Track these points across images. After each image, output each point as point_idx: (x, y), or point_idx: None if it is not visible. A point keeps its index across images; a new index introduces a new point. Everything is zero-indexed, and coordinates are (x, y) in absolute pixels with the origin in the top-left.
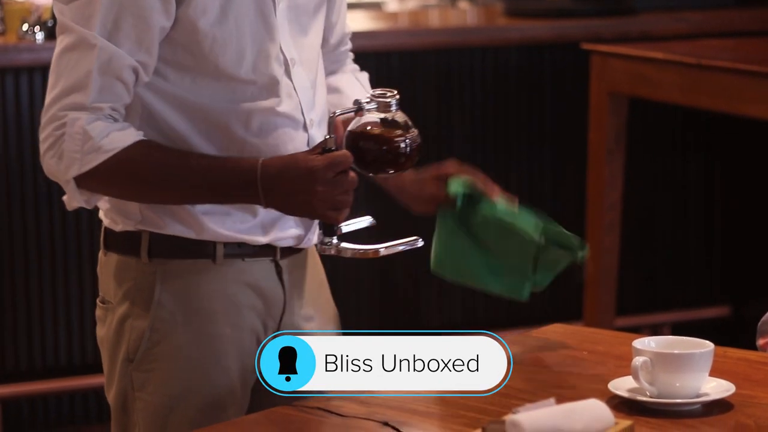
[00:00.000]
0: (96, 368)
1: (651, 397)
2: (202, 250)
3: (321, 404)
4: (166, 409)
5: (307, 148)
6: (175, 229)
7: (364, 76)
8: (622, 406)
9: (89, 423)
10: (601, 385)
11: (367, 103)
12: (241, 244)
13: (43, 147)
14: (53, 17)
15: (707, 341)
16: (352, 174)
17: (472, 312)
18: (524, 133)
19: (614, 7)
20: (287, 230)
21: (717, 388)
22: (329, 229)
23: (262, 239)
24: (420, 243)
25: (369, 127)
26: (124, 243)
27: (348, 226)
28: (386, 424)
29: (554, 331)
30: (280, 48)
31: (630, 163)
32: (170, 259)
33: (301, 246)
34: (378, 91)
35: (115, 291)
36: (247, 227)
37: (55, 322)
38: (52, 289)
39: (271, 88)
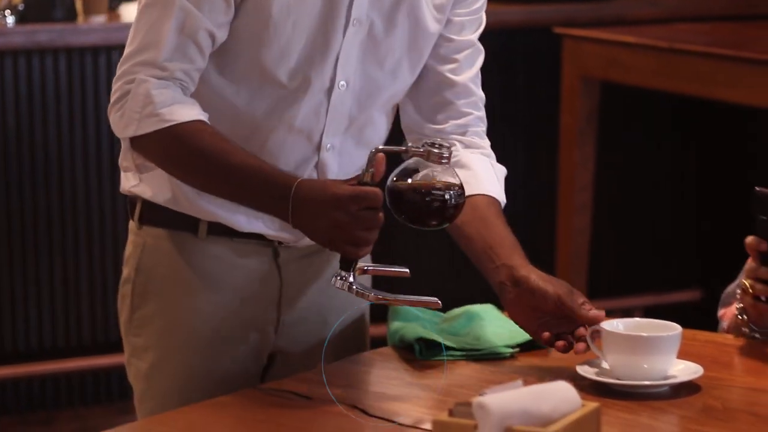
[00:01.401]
0: (66, 352)
1: (618, 378)
2: (186, 223)
3: (289, 387)
4: (147, 376)
5: (313, 169)
6: (163, 200)
7: (501, 170)
8: (590, 388)
9: (59, 408)
10: (569, 367)
11: (418, 149)
12: (226, 226)
13: (111, 99)
14: (24, 1)
15: (675, 324)
16: (380, 214)
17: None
18: (497, 116)
19: None
20: (275, 231)
21: (685, 370)
22: (346, 262)
23: (245, 227)
24: (436, 303)
25: (413, 176)
26: (129, 206)
27: (373, 267)
28: (354, 406)
29: None
30: (335, 64)
31: (602, 146)
32: (156, 227)
33: (298, 245)
34: (433, 142)
35: (125, 254)
36: (231, 212)
37: (25, 306)
38: (22, 273)
39: (301, 98)
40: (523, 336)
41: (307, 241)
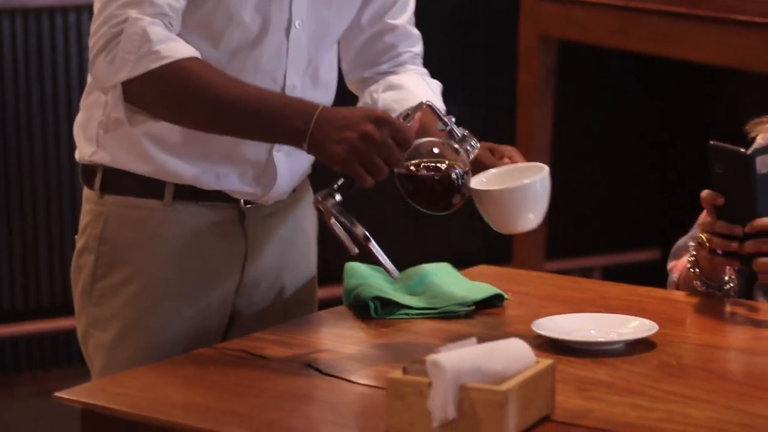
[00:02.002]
0: (25, 315)
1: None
2: (152, 189)
3: (243, 346)
4: (110, 346)
5: None
6: (128, 163)
7: (436, 84)
8: (545, 345)
9: (18, 370)
10: (525, 325)
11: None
12: (193, 189)
13: (94, 50)
14: None
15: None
16: (400, 158)
17: (406, 252)
18: (454, 76)
19: None
20: (241, 186)
21: (640, 327)
22: (344, 187)
23: (212, 184)
24: (397, 275)
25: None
26: (86, 176)
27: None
28: (308, 365)
29: (481, 272)
30: (290, 3)
31: (561, 106)
32: (120, 195)
33: (260, 202)
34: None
35: (80, 224)
36: (200, 171)
37: None
38: None
39: (262, 40)
40: (479, 294)
41: (273, 197)
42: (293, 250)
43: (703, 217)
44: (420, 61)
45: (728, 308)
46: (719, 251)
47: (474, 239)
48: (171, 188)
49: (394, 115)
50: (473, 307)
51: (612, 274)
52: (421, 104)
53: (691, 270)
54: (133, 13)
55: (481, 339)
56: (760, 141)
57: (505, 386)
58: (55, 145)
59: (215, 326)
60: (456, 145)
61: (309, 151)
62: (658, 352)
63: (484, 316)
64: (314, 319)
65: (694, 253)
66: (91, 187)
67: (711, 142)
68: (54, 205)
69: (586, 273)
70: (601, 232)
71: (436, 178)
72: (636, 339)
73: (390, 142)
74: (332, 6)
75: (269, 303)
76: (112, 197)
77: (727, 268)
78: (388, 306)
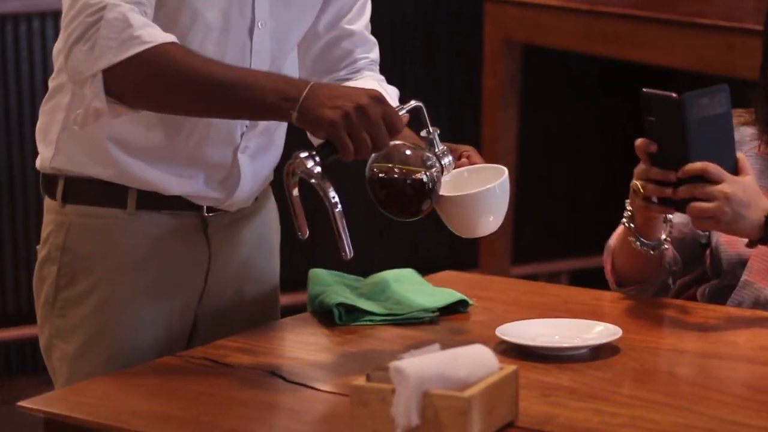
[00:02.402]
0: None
1: (537, 342)
2: (115, 197)
3: (207, 354)
4: (75, 357)
5: None
6: (89, 166)
7: (394, 90)
8: (510, 351)
9: None
10: (489, 331)
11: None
12: (156, 195)
13: (70, 39)
14: None
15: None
16: (386, 141)
17: (370, 260)
18: (420, 79)
19: None
20: (206, 190)
21: (604, 332)
22: (325, 152)
23: (177, 189)
24: (349, 253)
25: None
26: (47, 185)
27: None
28: (272, 373)
29: (445, 278)
30: (252, 4)
31: (526, 110)
32: (82, 204)
33: (223, 208)
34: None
35: (42, 234)
36: (164, 174)
37: None
38: None
39: (226, 40)
40: (443, 300)
41: (236, 202)
42: (256, 257)
43: (639, 166)
44: (377, 67)
45: (692, 312)
46: (654, 198)
47: (440, 244)
48: (133, 196)
49: None
50: (437, 313)
51: (579, 278)
52: (413, 104)
53: (627, 225)
54: (111, 0)
55: (445, 345)
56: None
57: (468, 393)
58: (20, 152)
59: (178, 334)
60: (429, 154)
61: (297, 120)
62: (622, 357)
63: (449, 322)
64: (278, 326)
65: (630, 208)
66: (52, 196)
67: (643, 90)
68: (19, 213)
69: (553, 277)
70: (568, 235)
71: (408, 181)
72: (600, 344)
73: (381, 121)
74: (292, 7)
75: (232, 310)
76: (73, 207)
77: (663, 227)
78: (353, 312)
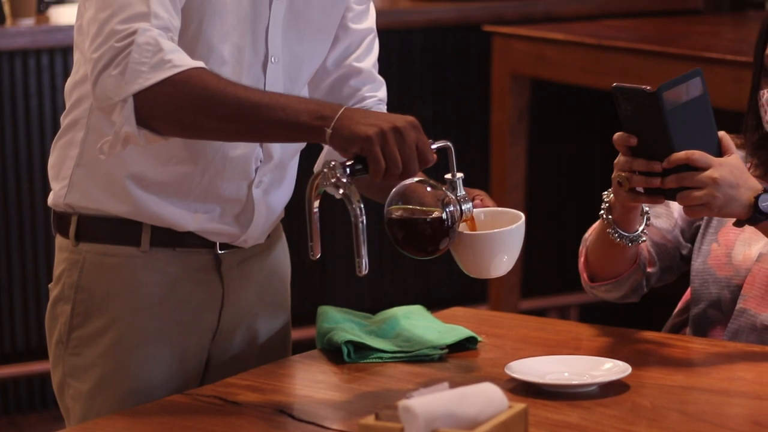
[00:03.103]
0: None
1: (546, 380)
2: (129, 235)
3: (217, 393)
4: (88, 396)
5: (259, 150)
6: (104, 201)
7: None
8: (518, 389)
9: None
10: (498, 368)
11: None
12: (170, 232)
13: (98, 65)
14: None
15: (519, 213)
16: (416, 168)
17: (379, 294)
18: (429, 114)
19: None
20: (220, 225)
21: (613, 369)
22: (350, 167)
23: (192, 225)
24: (363, 270)
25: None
26: (59, 224)
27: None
28: (282, 411)
29: (454, 314)
30: (266, 39)
31: (534, 144)
32: (96, 243)
33: (237, 244)
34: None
35: (55, 273)
36: (179, 210)
37: None
38: None
39: (239, 73)
40: (452, 337)
41: (250, 238)
42: (269, 295)
43: (619, 158)
44: (384, 106)
45: (700, 348)
46: (640, 189)
47: (450, 278)
48: (147, 234)
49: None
50: (446, 351)
51: (589, 311)
52: (444, 143)
53: (605, 218)
54: (142, 25)
55: (454, 383)
56: None
57: (477, 431)
58: (29, 189)
59: (192, 373)
60: (448, 193)
61: (330, 138)
62: (632, 395)
63: (458, 360)
64: (287, 364)
65: (607, 200)
66: (65, 235)
67: (614, 85)
68: (29, 250)
69: (563, 311)
70: (577, 269)
71: (426, 220)
72: (609, 381)
73: (414, 147)
74: (304, 43)
75: (244, 348)
76: (87, 245)
77: (639, 219)
78: (361, 350)
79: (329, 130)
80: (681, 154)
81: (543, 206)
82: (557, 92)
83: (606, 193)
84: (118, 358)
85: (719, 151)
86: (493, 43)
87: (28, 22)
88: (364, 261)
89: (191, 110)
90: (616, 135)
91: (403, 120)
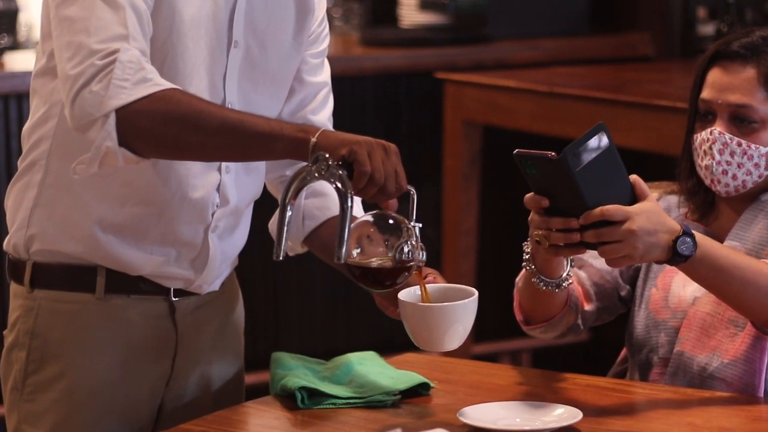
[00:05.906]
0: None
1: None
2: (83, 281)
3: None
4: None
5: (216, 192)
6: (61, 243)
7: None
8: None
9: None
10: (451, 414)
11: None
12: (125, 277)
13: (78, 82)
14: None
15: (472, 290)
16: (393, 190)
17: (333, 340)
18: None
19: (469, 36)
20: (176, 268)
21: (564, 415)
22: (340, 167)
23: (147, 267)
24: (341, 259)
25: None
26: (13, 270)
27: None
28: None
29: (407, 360)
30: (223, 85)
31: (486, 190)
32: (51, 290)
33: (192, 290)
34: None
35: (9, 319)
36: (135, 252)
37: None
38: None
39: None
40: (405, 383)
41: (204, 282)
42: (222, 342)
43: (532, 216)
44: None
45: (650, 393)
46: (561, 243)
47: (402, 326)
48: (102, 279)
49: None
50: (400, 396)
51: (541, 356)
52: (408, 188)
53: (527, 268)
54: (123, 44)
55: (407, 428)
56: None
57: None
58: None
59: (146, 419)
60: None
61: (314, 148)
62: None
63: (411, 405)
64: (241, 410)
65: (528, 251)
66: (20, 282)
67: (516, 151)
68: None
69: (515, 355)
70: None
71: (387, 266)
72: (560, 427)
73: (396, 166)
74: (259, 92)
75: (198, 394)
76: (42, 292)
77: (563, 264)
78: (315, 396)
79: (314, 139)
80: (596, 212)
81: (495, 250)
82: (509, 138)
83: (526, 243)
84: (72, 404)
85: (633, 197)
86: (446, 90)
87: None
88: (344, 249)
89: (175, 124)
90: (527, 197)
91: (387, 143)
